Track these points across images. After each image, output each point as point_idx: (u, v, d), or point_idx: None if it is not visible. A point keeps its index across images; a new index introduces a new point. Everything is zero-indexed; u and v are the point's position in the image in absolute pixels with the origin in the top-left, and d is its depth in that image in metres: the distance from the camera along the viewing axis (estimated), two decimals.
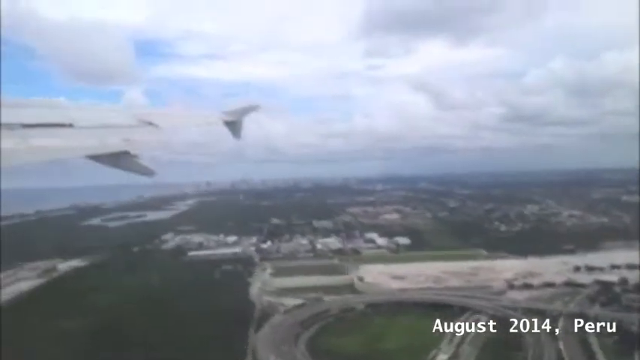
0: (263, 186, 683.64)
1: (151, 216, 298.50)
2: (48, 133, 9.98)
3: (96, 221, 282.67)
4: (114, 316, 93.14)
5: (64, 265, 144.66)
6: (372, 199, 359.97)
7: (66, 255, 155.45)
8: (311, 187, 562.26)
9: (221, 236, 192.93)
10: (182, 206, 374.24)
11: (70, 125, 10.97)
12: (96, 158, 11.30)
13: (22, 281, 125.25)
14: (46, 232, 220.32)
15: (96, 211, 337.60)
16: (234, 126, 22.24)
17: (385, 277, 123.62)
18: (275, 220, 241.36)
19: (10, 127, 8.70)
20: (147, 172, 12.61)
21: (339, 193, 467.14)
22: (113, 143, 11.98)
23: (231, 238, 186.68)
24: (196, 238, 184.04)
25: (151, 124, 14.76)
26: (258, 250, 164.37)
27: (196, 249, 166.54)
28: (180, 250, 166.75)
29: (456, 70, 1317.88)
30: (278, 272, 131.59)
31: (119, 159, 11.94)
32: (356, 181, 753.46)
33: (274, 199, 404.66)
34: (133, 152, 12.34)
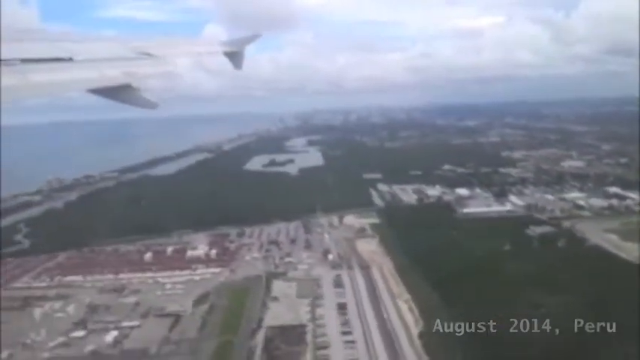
0: (345, 120, 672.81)
1: (301, 162, 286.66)
2: (47, 67, 9.71)
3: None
4: None
5: None
6: (506, 138, 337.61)
7: None
8: (409, 123, 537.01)
9: (420, 187, 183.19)
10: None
11: (70, 59, 10.66)
12: (97, 92, 11.32)
13: None
14: None
15: None
16: (235, 56, 21.54)
17: None
18: (448, 166, 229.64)
19: (9, 62, 8.48)
20: (149, 105, 12.67)
21: (443, 129, 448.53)
22: (114, 76, 11.73)
23: (433, 190, 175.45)
24: (431, 191, 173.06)
25: (150, 55, 14.46)
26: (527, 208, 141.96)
27: (461, 205, 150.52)
28: (448, 207, 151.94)
29: None
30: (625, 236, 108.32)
31: (121, 92, 11.90)
32: (421, 112, 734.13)
33: (392, 140, 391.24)
34: (134, 85, 12.26)
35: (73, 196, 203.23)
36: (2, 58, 8.32)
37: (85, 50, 12.13)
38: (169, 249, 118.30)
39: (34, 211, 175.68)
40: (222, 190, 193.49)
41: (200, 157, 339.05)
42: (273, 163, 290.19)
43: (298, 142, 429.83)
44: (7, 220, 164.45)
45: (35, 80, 8.85)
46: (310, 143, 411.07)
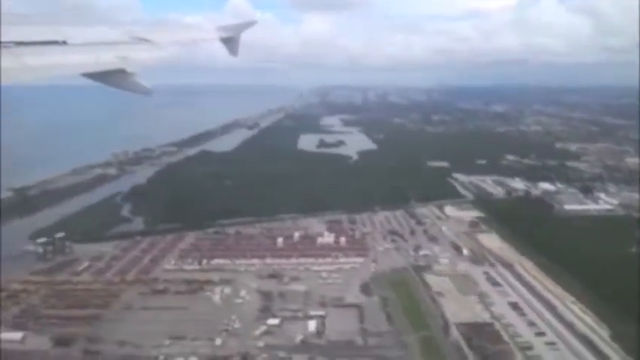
0: (365, 99, 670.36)
1: (352, 144, 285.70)
2: (42, 51, 9.68)
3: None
4: None
5: None
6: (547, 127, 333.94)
7: None
8: (434, 105, 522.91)
9: (499, 178, 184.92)
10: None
11: (64, 43, 10.56)
12: (92, 76, 11.28)
13: None
14: None
15: None
16: (230, 42, 21.53)
17: None
18: (511, 157, 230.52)
19: (4, 45, 8.44)
20: (144, 90, 12.68)
21: (475, 114, 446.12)
22: (109, 61, 11.65)
23: (515, 183, 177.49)
24: (514, 184, 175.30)
25: (145, 40, 14.33)
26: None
27: (553, 201, 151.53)
28: (542, 202, 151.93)
29: None
30: None
31: (115, 77, 11.88)
32: (440, 93, 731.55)
33: (428, 123, 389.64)
34: (129, 70, 12.24)
35: (147, 171, 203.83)
36: None
37: (80, 34, 12.15)
38: (296, 234, 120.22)
39: (120, 186, 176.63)
40: (298, 173, 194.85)
41: (243, 133, 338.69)
42: (323, 144, 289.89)
43: (332, 121, 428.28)
44: (98, 194, 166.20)
45: (29, 63, 8.89)
46: (346, 123, 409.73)
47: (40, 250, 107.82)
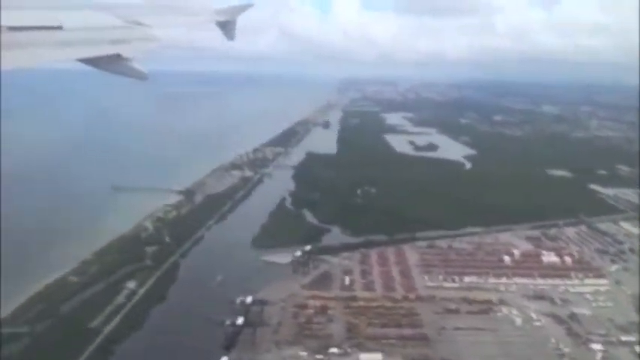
0: (402, 94, 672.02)
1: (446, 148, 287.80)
2: (37, 36, 9.59)
3: None
4: None
5: None
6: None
7: None
8: (475, 103, 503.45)
9: None
10: None
11: (59, 27, 10.45)
12: (87, 62, 11.04)
13: None
14: None
15: None
16: (226, 26, 21.25)
17: None
18: (623, 167, 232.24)
19: None
20: (140, 75, 12.39)
21: (533, 115, 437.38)
22: (105, 46, 11.53)
23: None
24: None
25: (140, 24, 14.20)
26: None
27: None
28: None
29: None
30: None
31: (111, 62, 11.61)
32: (473, 89, 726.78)
33: (492, 124, 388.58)
34: (124, 55, 11.96)
35: (281, 173, 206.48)
36: None
37: (75, 18, 12.07)
38: (514, 251, 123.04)
39: (273, 190, 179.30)
40: (428, 180, 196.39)
41: (323, 132, 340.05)
42: (417, 147, 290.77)
43: (396, 119, 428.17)
44: (262, 199, 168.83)
45: (24, 48, 8.94)
46: (414, 123, 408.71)
47: (288, 261, 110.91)
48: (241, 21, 23.26)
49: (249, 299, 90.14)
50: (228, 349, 79.69)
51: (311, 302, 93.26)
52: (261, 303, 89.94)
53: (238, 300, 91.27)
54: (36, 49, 9.36)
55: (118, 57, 12.33)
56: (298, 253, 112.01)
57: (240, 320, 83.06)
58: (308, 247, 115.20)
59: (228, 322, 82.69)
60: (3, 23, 8.74)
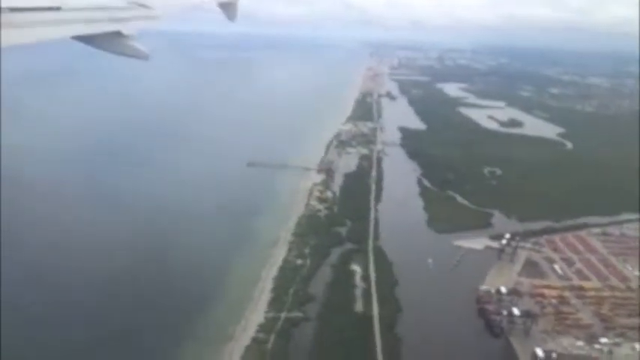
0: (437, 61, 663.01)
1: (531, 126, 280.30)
2: (36, 16, 9.79)
3: None
4: None
5: None
6: None
7: None
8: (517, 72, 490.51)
9: None
10: None
11: (58, 8, 10.55)
12: (86, 40, 10.95)
13: None
14: None
15: None
16: (228, 7, 21.45)
17: None
18: None
19: None
20: (141, 54, 12.18)
21: (590, 90, 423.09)
22: (105, 24, 11.51)
23: None
24: None
25: (141, 4, 14.18)
26: None
27: None
28: None
29: None
30: None
31: (111, 41, 11.50)
32: (507, 57, 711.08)
33: (559, 99, 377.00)
34: (125, 33, 11.78)
35: (393, 151, 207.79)
36: None
37: (75, 0, 12.09)
38: None
39: (403, 168, 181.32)
40: (545, 161, 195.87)
41: (392, 104, 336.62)
42: (499, 122, 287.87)
43: (453, 90, 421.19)
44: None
45: (23, 27, 9.13)
46: (476, 95, 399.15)
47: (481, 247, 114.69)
48: None
49: (503, 289, 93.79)
50: (497, 337, 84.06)
51: (546, 292, 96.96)
52: (515, 293, 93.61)
53: (484, 288, 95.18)
54: (34, 28, 9.54)
55: (118, 35, 12.11)
56: (504, 241, 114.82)
57: (515, 310, 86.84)
58: (507, 235, 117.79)
59: (505, 312, 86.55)
60: (3, 5, 8.87)
